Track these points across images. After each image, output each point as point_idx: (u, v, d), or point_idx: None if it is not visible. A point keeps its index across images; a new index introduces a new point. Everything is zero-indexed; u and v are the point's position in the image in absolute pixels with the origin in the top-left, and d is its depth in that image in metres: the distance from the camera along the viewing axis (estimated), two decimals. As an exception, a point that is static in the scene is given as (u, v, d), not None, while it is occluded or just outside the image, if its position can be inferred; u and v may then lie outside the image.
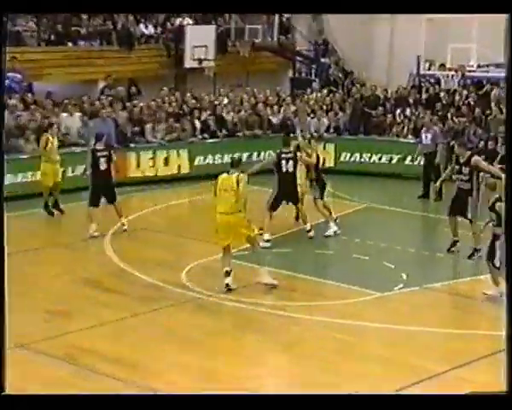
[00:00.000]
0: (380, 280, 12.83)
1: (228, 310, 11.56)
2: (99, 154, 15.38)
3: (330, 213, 15.67)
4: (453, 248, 14.33)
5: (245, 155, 20.45)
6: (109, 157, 15.43)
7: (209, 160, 21.11)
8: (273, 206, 15.09)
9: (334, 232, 15.44)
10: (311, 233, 15.26)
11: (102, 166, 15.32)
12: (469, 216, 14.07)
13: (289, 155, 15.11)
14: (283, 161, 15.05)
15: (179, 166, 20.62)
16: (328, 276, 13.08)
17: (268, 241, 14.57)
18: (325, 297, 12.09)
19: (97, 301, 11.73)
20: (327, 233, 15.44)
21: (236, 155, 13.71)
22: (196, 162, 20.98)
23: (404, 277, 12.89)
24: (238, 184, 11.86)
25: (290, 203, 15.46)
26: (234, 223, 11.89)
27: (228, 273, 12.07)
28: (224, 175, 12.07)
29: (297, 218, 15.91)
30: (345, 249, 14.92)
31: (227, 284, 12.02)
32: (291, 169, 15.07)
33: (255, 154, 21.13)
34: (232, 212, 11.86)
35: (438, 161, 18.60)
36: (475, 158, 14.25)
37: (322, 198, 15.57)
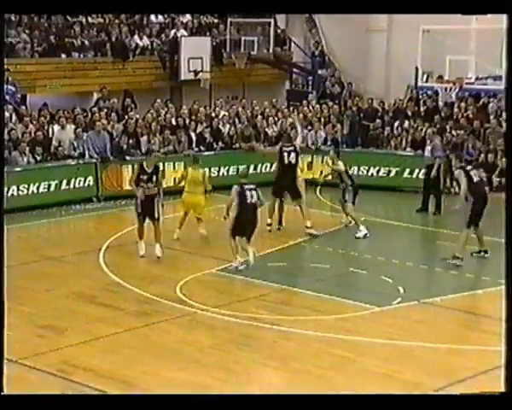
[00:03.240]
0: (377, 295, 12.84)
1: (222, 325, 11.55)
2: None
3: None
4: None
5: (241, 168, 20.39)
6: None
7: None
8: (276, 192, 16.45)
9: (365, 235, 16.08)
10: (313, 230, 16.03)
11: None
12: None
13: (291, 149, 16.46)
14: (285, 154, 16.37)
15: (175, 179, 20.53)
16: (323, 290, 13.04)
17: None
18: (321, 312, 12.07)
19: (90, 316, 11.74)
20: (357, 235, 16.07)
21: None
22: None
23: (402, 291, 12.90)
24: None
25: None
26: None
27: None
28: None
29: (280, 222, 16.56)
30: (341, 263, 14.98)
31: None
32: (293, 161, 16.45)
33: (252, 167, 21.17)
34: None
35: (433, 174, 18.47)
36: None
37: (353, 203, 16.30)
